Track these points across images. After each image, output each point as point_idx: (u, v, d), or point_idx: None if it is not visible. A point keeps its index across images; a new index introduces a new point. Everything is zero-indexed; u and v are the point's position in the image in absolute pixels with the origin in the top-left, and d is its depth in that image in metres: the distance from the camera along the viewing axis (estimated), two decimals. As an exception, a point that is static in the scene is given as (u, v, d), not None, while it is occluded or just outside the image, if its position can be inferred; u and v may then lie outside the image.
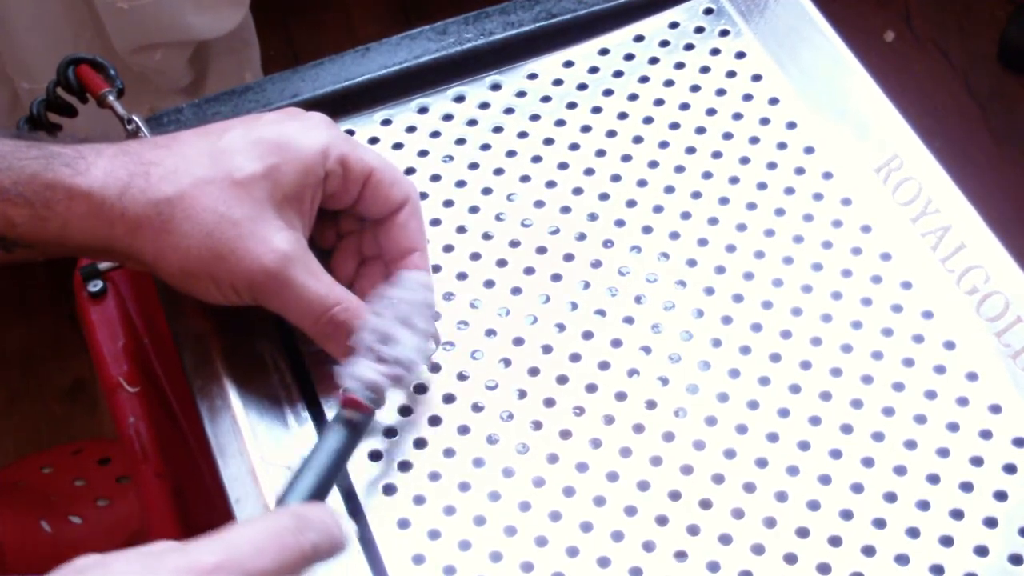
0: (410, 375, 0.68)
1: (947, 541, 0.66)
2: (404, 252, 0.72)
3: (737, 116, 0.81)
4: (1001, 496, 0.67)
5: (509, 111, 0.82)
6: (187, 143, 0.69)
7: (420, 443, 0.69)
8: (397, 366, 0.67)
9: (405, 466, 0.68)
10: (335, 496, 0.67)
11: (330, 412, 0.70)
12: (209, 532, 0.58)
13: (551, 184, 0.79)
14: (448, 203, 0.78)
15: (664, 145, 0.80)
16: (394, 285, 0.70)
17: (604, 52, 0.84)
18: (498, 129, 0.81)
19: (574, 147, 0.80)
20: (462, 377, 0.71)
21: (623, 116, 0.82)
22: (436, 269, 0.75)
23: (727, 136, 0.80)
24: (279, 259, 0.67)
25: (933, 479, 0.68)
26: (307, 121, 0.71)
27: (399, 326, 0.68)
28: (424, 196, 0.78)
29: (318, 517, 0.59)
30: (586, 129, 0.81)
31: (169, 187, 0.67)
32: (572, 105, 0.82)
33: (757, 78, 0.83)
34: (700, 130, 0.81)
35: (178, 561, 0.54)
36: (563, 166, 0.80)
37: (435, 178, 0.79)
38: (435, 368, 0.71)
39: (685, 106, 0.82)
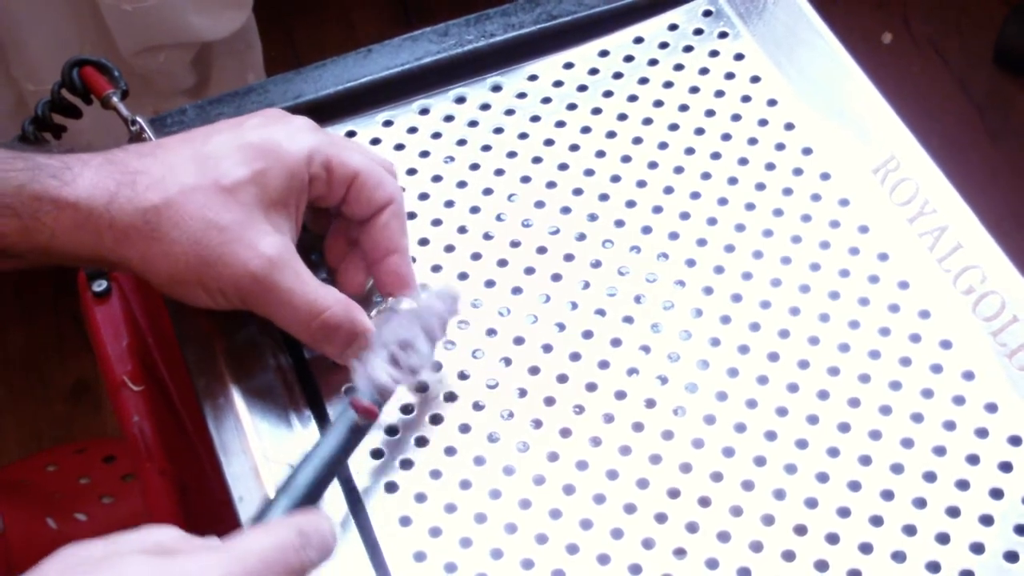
0: (415, 382, 0.69)
1: (943, 538, 0.66)
2: (384, 253, 0.72)
3: (736, 117, 0.82)
4: (997, 494, 0.67)
5: (510, 112, 0.82)
6: (172, 150, 0.69)
7: (421, 441, 0.69)
8: (409, 374, 0.68)
9: (406, 464, 0.69)
10: (336, 498, 0.67)
11: (332, 411, 0.71)
12: (212, 529, 0.58)
13: (551, 184, 0.79)
14: (449, 203, 0.79)
15: (663, 146, 0.81)
16: (430, 292, 0.70)
17: (604, 54, 0.85)
18: (499, 130, 0.82)
19: (574, 148, 0.81)
20: (463, 376, 0.72)
21: (623, 117, 0.82)
22: (436, 269, 0.76)
23: (726, 137, 0.81)
24: (266, 264, 0.67)
25: (930, 477, 0.68)
26: (291, 125, 0.71)
27: (421, 336, 0.68)
28: (425, 197, 0.79)
29: (319, 534, 0.59)
30: (586, 130, 0.81)
31: (156, 195, 0.67)
32: (572, 106, 0.83)
33: (756, 80, 0.83)
34: (699, 131, 0.81)
35: (190, 570, 0.54)
36: (563, 167, 0.80)
37: (436, 179, 0.80)
38: (436, 367, 0.72)
39: (684, 107, 0.82)
